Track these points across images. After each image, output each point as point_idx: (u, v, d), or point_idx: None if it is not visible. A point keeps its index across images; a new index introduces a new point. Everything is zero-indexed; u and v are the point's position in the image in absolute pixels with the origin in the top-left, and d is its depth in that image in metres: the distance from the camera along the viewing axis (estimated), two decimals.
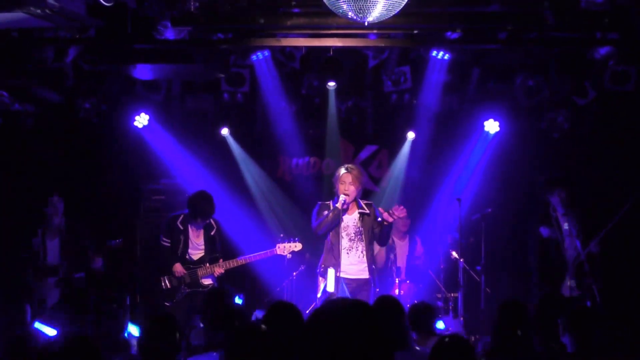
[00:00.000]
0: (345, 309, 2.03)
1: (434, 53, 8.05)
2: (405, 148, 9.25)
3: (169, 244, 7.43)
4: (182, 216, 7.46)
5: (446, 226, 8.73)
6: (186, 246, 7.40)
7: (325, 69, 7.96)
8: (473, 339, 7.50)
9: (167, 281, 7.37)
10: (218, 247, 7.54)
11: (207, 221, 7.43)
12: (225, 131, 9.26)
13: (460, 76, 8.58)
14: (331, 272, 6.36)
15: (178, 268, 7.32)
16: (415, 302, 5.79)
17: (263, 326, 3.60)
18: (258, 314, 6.36)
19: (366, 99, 9.23)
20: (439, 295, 8.06)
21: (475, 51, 8.00)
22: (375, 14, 4.81)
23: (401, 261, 8.33)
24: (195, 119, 9.36)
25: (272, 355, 3.29)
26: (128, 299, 7.55)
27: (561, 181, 7.87)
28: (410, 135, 9.16)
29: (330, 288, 6.29)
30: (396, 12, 4.92)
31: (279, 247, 7.24)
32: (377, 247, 7.06)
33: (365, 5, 4.73)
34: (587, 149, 8.75)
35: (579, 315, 4.26)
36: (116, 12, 6.26)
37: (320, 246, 6.84)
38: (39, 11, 5.51)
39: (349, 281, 6.53)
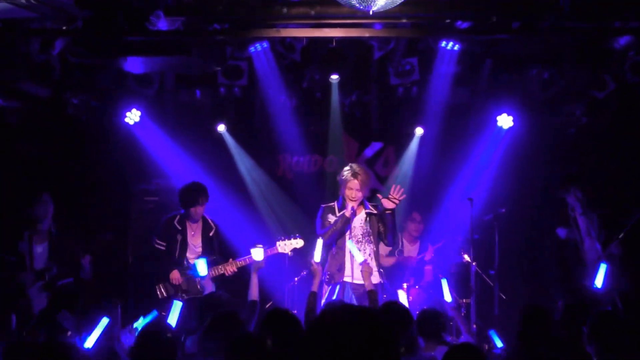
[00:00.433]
0: (348, 316, 2.00)
1: (443, 43, 7.97)
2: (413, 144, 9.20)
3: (163, 247, 7.33)
4: (178, 216, 7.41)
5: (457, 227, 8.65)
6: (184, 249, 7.31)
7: (327, 61, 7.94)
8: (487, 347, 7.31)
9: (162, 289, 7.25)
10: (216, 249, 7.46)
11: (202, 211, 7.32)
12: (221, 127, 9.18)
13: (470, 68, 8.49)
14: (319, 242, 6.22)
15: (175, 275, 7.22)
16: (425, 308, 5.74)
17: (269, 342, 3.73)
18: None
19: (371, 93, 9.15)
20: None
21: (487, 41, 7.86)
22: (380, 2, 4.79)
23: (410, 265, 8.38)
24: (190, 114, 9.27)
25: None
26: (119, 306, 7.26)
27: (577, 178, 7.80)
28: (419, 130, 9.11)
29: (317, 258, 6.09)
30: None
31: (279, 245, 7.00)
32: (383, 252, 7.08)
33: None
34: (606, 144, 8.69)
35: (601, 324, 4.21)
36: (106, 1, 6.28)
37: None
38: (23, 1, 5.36)
39: (357, 286, 6.50)
